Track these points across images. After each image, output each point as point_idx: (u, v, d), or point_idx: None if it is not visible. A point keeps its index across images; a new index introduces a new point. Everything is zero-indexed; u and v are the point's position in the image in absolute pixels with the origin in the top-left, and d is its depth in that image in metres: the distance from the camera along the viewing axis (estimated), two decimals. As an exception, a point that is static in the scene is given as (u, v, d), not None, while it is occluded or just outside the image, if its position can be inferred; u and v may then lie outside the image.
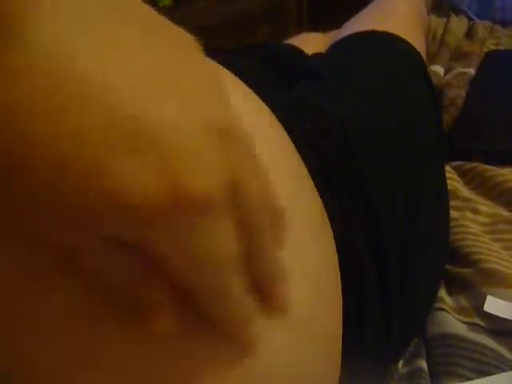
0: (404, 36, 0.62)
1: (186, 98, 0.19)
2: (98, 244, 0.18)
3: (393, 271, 0.42)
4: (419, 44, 0.67)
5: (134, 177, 0.17)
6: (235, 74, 0.35)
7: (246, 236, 0.20)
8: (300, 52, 0.72)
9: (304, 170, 0.36)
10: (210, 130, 0.18)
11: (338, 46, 0.64)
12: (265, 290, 0.23)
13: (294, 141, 0.36)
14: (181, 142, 0.17)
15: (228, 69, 0.35)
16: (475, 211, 0.58)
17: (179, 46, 0.20)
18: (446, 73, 0.81)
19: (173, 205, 0.17)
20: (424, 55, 0.68)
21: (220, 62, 0.34)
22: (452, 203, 0.57)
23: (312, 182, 0.37)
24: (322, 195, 0.37)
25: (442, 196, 0.53)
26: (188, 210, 0.18)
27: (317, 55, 0.64)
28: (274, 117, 0.35)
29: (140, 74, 0.18)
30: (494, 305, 0.44)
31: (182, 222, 0.18)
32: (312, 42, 0.76)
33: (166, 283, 0.20)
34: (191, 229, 0.18)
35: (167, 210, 0.17)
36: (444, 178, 0.56)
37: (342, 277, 0.36)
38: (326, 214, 0.37)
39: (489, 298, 0.45)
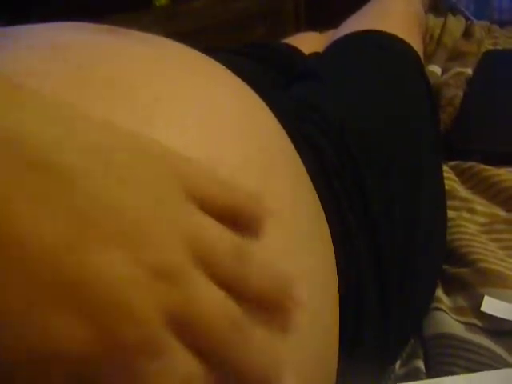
0: (401, 36, 0.62)
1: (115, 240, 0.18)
2: None
3: (392, 271, 0.42)
4: (416, 44, 0.67)
5: (60, 333, 0.16)
6: (236, 74, 0.35)
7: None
8: (298, 52, 0.72)
9: (303, 171, 0.36)
10: (142, 273, 0.18)
11: (335, 46, 0.64)
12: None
13: (294, 141, 0.36)
14: (105, 290, 0.17)
15: (229, 68, 0.34)
16: (472, 211, 0.58)
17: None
18: (443, 73, 0.81)
19: (106, 355, 0.17)
20: (421, 55, 0.68)
21: (220, 61, 0.34)
22: (449, 203, 0.57)
23: (311, 182, 0.36)
24: (320, 196, 0.37)
25: (440, 196, 0.53)
26: (124, 356, 0.17)
27: (314, 55, 0.64)
28: (273, 116, 0.35)
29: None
30: (491, 305, 0.44)
31: (121, 366, 0.17)
32: (309, 42, 0.76)
33: None
34: (133, 364, 0.17)
35: (101, 359, 0.17)
36: (442, 178, 0.56)
37: (340, 277, 0.35)
38: (324, 215, 0.37)
39: (486, 298, 0.45)
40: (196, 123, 0.27)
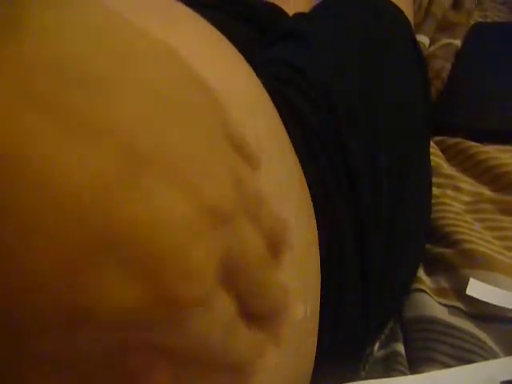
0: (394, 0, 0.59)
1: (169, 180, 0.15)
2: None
3: (374, 245, 0.41)
4: (408, 10, 0.64)
5: (110, 289, 0.14)
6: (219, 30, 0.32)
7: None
8: (281, 11, 0.68)
9: (286, 137, 0.34)
10: (199, 216, 0.15)
11: (323, 7, 0.59)
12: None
13: (277, 105, 0.34)
14: (162, 239, 0.15)
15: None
16: (457, 189, 0.56)
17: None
18: (430, 44, 0.78)
19: (159, 313, 0.15)
20: (412, 22, 0.65)
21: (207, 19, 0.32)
22: (433, 180, 0.55)
23: (293, 148, 0.34)
24: (303, 164, 0.35)
25: (427, 172, 0.51)
26: (178, 313, 0.15)
27: (300, 15, 0.59)
28: (258, 80, 0.33)
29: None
30: (477, 288, 0.42)
31: (170, 321, 0.16)
32: (293, 1, 0.72)
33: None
34: (185, 321, 0.16)
35: (152, 317, 0.15)
36: (429, 154, 0.53)
37: (322, 250, 0.34)
38: (306, 185, 0.35)
39: (472, 281, 0.43)
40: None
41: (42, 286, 0.14)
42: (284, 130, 0.34)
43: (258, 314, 0.20)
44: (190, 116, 0.17)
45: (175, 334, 0.16)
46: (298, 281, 0.30)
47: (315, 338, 0.33)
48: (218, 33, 0.33)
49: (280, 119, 0.34)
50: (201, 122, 0.17)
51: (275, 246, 0.21)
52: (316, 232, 0.35)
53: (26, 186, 0.13)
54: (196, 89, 0.18)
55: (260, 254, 0.19)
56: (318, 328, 0.33)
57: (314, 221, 0.35)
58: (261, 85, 0.34)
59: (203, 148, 0.16)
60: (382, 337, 0.44)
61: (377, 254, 0.41)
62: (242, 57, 0.33)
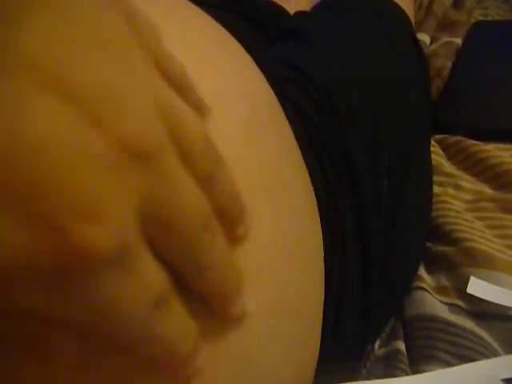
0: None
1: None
2: None
3: (375, 244, 0.41)
4: (409, 9, 0.64)
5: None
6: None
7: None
8: (283, 10, 0.68)
9: (288, 127, 0.34)
10: (105, 147, 0.13)
11: (324, 6, 0.60)
12: (226, 219, 0.18)
13: (281, 104, 0.34)
14: (64, 172, 0.11)
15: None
16: (458, 187, 0.56)
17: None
18: (431, 42, 0.78)
19: (59, 267, 0.12)
20: (412, 21, 0.65)
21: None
22: (434, 178, 0.55)
23: (296, 142, 0.34)
24: (307, 165, 0.35)
25: (428, 170, 0.51)
26: (83, 267, 0.12)
27: (301, 14, 0.59)
28: (265, 79, 0.33)
29: None
30: (477, 287, 0.42)
31: (67, 277, 0.12)
32: (294, 0, 0.72)
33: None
34: (98, 283, 0.13)
35: (51, 272, 0.12)
36: (429, 153, 0.53)
37: (325, 250, 0.34)
38: (310, 182, 0.35)
39: (472, 279, 0.43)
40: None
41: None
42: (291, 132, 0.34)
43: (199, 292, 0.17)
44: (105, 36, 0.14)
45: (74, 296, 0.13)
46: (266, 275, 0.26)
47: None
48: (227, 32, 0.33)
49: (286, 119, 0.34)
50: (117, 41, 0.14)
51: (231, 222, 0.18)
52: (321, 235, 0.34)
53: None
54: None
55: (203, 217, 0.16)
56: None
57: (319, 225, 0.34)
58: (267, 84, 0.34)
59: (123, 76, 0.14)
60: (383, 335, 0.45)
61: (377, 254, 0.41)
62: (249, 56, 0.33)
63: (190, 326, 0.17)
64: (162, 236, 0.15)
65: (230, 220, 0.19)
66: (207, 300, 0.18)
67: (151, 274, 0.14)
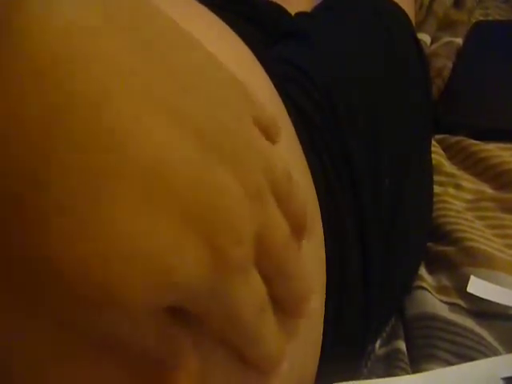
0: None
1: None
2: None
3: (376, 244, 0.41)
4: (409, 9, 0.64)
5: (176, 256, 0.15)
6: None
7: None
8: (284, 11, 0.68)
9: (295, 135, 0.34)
10: (246, 192, 0.17)
11: (324, 7, 0.60)
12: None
13: (283, 101, 0.34)
14: (223, 208, 0.16)
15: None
16: (458, 187, 0.56)
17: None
18: (432, 42, 0.78)
19: (214, 277, 0.16)
20: (413, 21, 0.65)
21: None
22: (435, 178, 0.55)
23: (298, 141, 0.35)
24: (309, 164, 0.35)
25: (429, 170, 0.51)
26: (228, 276, 0.17)
27: (301, 15, 0.59)
28: (269, 79, 0.34)
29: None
30: (477, 286, 0.42)
31: (221, 286, 0.17)
32: (295, 1, 0.72)
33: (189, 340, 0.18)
34: (229, 288, 0.17)
35: (209, 282, 0.16)
36: (430, 153, 0.53)
37: (326, 247, 0.34)
38: (311, 179, 0.35)
39: (472, 278, 0.43)
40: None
41: None
42: (293, 128, 0.35)
43: (284, 299, 0.20)
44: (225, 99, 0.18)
45: (216, 301, 0.17)
46: (314, 270, 0.31)
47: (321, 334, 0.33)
48: (232, 31, 0.33)
49: (289, 118, 0.35)
50: (233, 107, 0.18)
51: (298, 231, 0.21)
52: (322, 235, 0.35)
53: None
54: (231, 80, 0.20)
55: (286, 235, 0.19)
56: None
57: (320, 225, 0.35)
58: (269, 80, 0.34)
59: (239, 132, 0.18)
60: (384, 334, 0.45)
61: (377, 254, 0.41)
62: (254, 56, 0.33)
63: (281, 332, 0.20)
64: (260, 256, 0.19)
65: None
66: (285, 304, 0.21)
67: (258, 282, 0.18)
